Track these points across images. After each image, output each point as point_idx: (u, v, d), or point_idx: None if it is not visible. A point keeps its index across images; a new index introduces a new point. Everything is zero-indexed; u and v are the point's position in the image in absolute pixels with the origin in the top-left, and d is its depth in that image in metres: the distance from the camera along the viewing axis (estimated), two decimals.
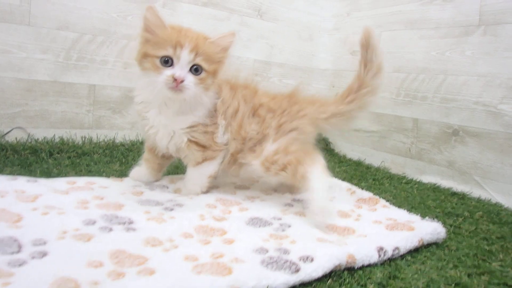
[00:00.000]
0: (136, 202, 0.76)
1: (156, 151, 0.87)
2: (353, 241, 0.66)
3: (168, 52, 0.73)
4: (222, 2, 1.38)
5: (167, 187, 0.89)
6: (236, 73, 0.90)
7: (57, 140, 1.13)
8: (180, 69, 0.73)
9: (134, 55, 0.78)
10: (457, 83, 1.18)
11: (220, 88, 0.84)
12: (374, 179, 1.18)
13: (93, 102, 1.21)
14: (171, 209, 0.74)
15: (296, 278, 0.53)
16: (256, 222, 0.71)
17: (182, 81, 0.72)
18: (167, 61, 0.73)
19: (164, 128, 0.80)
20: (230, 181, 0.97)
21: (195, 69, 0.75)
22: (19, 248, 0.53)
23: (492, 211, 0.96)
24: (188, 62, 0.73)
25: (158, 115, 0.80)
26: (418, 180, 1.21)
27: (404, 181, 1.19)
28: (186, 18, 1.32)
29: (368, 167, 1.34)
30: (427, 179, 1.22)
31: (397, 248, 0.66)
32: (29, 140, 1.09)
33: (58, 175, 0.90)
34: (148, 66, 0.75)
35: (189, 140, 0.80)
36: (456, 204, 1.01)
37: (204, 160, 0.82)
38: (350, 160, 1.46)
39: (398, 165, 1.34)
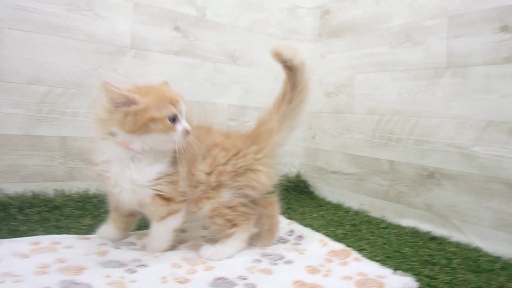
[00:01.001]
0: (99, 264, 0.76)
1: (121, 210, 0.87)
2: None
3: (172, 110, 0.79)
4: (194, 50, 1.43)
5: (135, 244, 0.89)
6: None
7: (28, 194, 1.13)
8: (185, 122, 0.81)
9: (121, 125, 0.78)
10: (430, 125, 1.22)
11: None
12: (352, 225, 1.19)
13: (64, 154, 1.22)
14: (134, 271, 0.74)
15: None
16: (220, 283, 0.72)
17: (190, 131, 0.80)
18: (174, 118, 0.79)
19: (128, 185, 0.80)
20: (200, 235, 0.97)
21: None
22: None
23: (471, 257, 0.98)
24: (185, 113, 0.82)
25: (121, 172, 0.80)
26: (397, 224, 1.23)
27: (382, 225, 1.21)
28: (159, 68, 1.37)
29: (347, 211, 1.36)
30: (406, 222, 1.24)
31: None
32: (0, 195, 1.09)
33: (25, 233, 0.91)
34: (159, 127, 0.78)
35: (154, 195, 0.80)
36: (433, 250, 1.02)
37: (169, 214, 0.82)
38: (329, 203, 1.48)
39: (377, 208, 1.36)
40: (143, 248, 0.85)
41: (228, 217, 0.85)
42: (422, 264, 0.92)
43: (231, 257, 0.84)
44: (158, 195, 0.80)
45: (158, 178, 0.80)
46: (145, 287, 0.67)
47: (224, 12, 1.49)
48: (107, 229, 0.91)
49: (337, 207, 1.41)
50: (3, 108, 1.13)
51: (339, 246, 0.92)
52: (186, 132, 0.79)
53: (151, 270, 0.75)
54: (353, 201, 1.44)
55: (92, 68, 1.25)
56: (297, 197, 1.53)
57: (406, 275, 0.79)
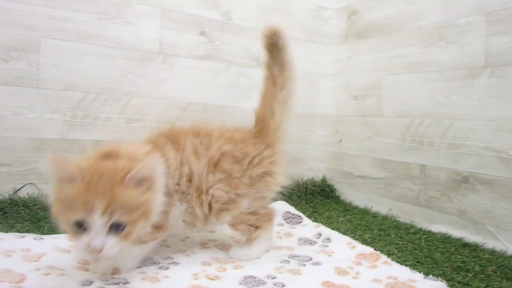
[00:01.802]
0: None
1: None
2: None
3: (78, 216, 0.64)
4: (219, 55, 1.50)
5: (166, 243, 0.95)
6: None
7: None
8: (95, 236, 0.64)
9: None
10: (464, 127, 1.22)
11: (164, 153, 0.81)
12: (380, 229, 1.21)
13: None
14: (166, 268, 0.80)
15: None
16: (250, 281, 0.76)
17: (100, 251, 0.64)
18: (81, 225, 0.64)
19: None
20: (228, 235, 1.02)
21: (116, 227, 0.65)
22: None
23: (507, 265, 0.96)
24: (103, 225, 0.64)
25: None
26: (427, 230, 1.23)
27: (412, 231, 1.22)
28: (185, 73, 1.44)
29: (375, 216, 1.38)
30: (436, 228, 1.24)
31: None
32: (40, 196, 1.20)
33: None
34: (64, 229, 0.67)
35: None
36: (467, 257, 1.01)
37: (152, 240, 0.79)
38: (356, 208, 1.50)
39: (406, 214, 1.37)
40: (114, 273, 0.76)
41: (250, 222, 0.89)
42: (455, 270, 0.92)
43: (259, 258, 0.89)
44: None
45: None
46: (178, 282, 0.73)
47: (249, 16, 1.55)
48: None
49: (364, 212, 1.43)
50: (43, 114, 1.24)
51: (368, 249, 0.94)
52: (91, 250, 0.64)
53: (183, 268, 0.80)
54: (380, 206, 1.46)
55: (122, 74, 1.34)
56: (323, 201, 1.56)
57: (438, 280, 0.80)
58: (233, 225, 0.88)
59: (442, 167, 1.28)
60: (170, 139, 0.85)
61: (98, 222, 0.63)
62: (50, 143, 1.24)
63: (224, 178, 0.84)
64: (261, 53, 1.57)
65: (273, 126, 0.92)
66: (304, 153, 1.73)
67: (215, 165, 0.84)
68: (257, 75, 1.59)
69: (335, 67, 1.73)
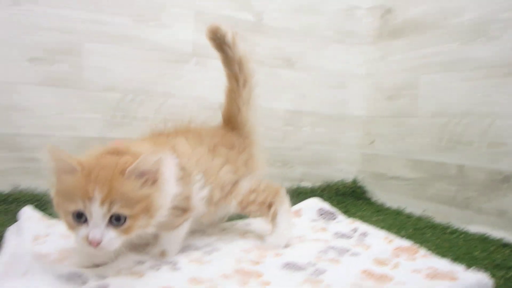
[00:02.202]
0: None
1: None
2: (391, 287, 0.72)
3: (78, 206, 0.64)
4: (251, 55, 1.55)
5: (206, 233, 1.00)
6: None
7: None
8: (94, 227, 0.64)
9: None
10: (506, 126, 1.21)
11: (173, 148, 0.83)
12: (415, 229, 1.22)
13: None
14: (209, 253, 0.85)
15: None
16: (291, 266, 0.80)
17: (99, 243, 0.64)
18: (81, 216, 0.65)
19: None
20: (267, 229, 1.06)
21: (116, 219, 0.66)
22: (84, 282, 0.67)
23: None
24: (103, 216, 0.64)
25: None
26: (464, 230, 1.23)
27: (448, 231, 1.22)
28: (218, 74, 1.48)
29: (409, 216, 1.38)
30: (475, 229, 1.24)
31: None
32: None
33: None
34: (64, 221, 0.68)
35: (172, 208, 0.77)
36: (508, 256, 1.01)
37: (184, 221, 0.83)
38: (388, 209, 1.51)
39: (441, 214, 1.37)
40: (160, 256, 0.81)
41: (259, 200, 0.94)
42: (496, 267, 0.92)
43: (297, 246, 0.92)
44: (175, 209, 0.78)
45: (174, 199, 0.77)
46: (222, 266, 0.77)
47: (280, 16, 1.61)
48: None
49: (398, 213, 1.43)
50: (85, 114, 1.33)
51: (406, 243, 0.96)
52: (89, 243, 0.64)
53: (225, 253, 0.85)
54: (414, 207, 1.46)
55: (158, 76, 1.41)
56: (354, 202, 1.58)
57: (480, 272, 0.81)
58: (243, 208, 0.94)
59: (481, 167, 1.27)
60: (177, 133, 0.91)
61: (97, 212, 0.64)
62: (91, 142, 1.31)
63: (226, 162, 0.92)
64: (293, 54, 1.65)
65: (242, 122, 1.01)
66: (335, 155, 1.75)
67: (213, 152, 0.92)
68: (288, 76, 1.66)
69: (367, 68, 1.75)
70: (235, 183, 0.93)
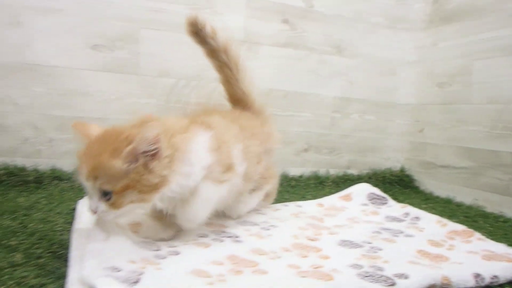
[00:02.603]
0: (236, 222, 0.95)
1: None
2: (447, 266, 0.75)
3: (79, 177, 0.71)
4: (301, 42, 1.60)
5: (260, 211, 1.07)
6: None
7: None
8: (90, 199, 0.70)
9: None
10: None
11: (202, 122, 0.84)
12: (466, 217, 1.23)
13: None
14: (268, 229, 0.91)
15: None
16: (347, 244, 0.85)
17: (95, 213, 0.70)
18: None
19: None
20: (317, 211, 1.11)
21: (104, 194, 0.69)
22: (157, 248, 0.75)
23: None
24: (92, 190, 0.69)
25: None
26: None
27: (501, 219, 1.22)
28: (268, 60, 1.56)
29: (459, 205, 1.39)
30: None
31: (495, 276, 0.72)
32: None
33: None
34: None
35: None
36: None
37: (225, 181, 0.83)
38: (437, 197, 1.52)
39: (493, 204, 1.37)
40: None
41: (267, 176, 1.03)
42: None
43: (353, 228, 0.97)
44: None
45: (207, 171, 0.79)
46: (281, 240, 0.83)
47: (331, 2, 1.63)
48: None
49: (447, 202, 1.44)
50: (141, 99, 1.42)
51: (460, 227, 0.98)
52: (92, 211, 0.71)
53: (282, 230, 0.91)
54: (465, 196, 1.46)
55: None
56: (402, 190, 1.60)
57: None
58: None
59: None
60: (210, 112, 0.95)
61: (87, 186, 0.69)
62: None
63: (253, 138, 0.95)
64: (342, 41, 1.67)
65: (250, 101, 1.07)
66: (382, 143, 1.77)
67: (243, 131, 0.94)
68: (337, 63, 1.69)
69: (417, 54, 1.74)
70: (259, 159, 0.98)
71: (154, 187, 0.70)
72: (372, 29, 1.71)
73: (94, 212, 0.70)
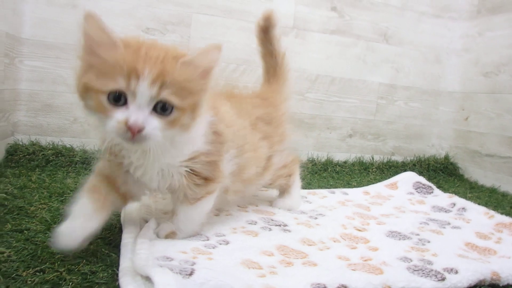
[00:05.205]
0: (283, 209, 0.94)
1: (130, 194, 0.71)
2: (496, 260, 0.72)
3: (119, 84, 0.54)
4: (348, 29, 1.54)
5: (306, 198, 1.06)
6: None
7: None
8: (137, 111, 0.54)
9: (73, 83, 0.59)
10: None
11: (214, 106, 0.73)
12: None
13: None
14: (316, 218, 0.90)
15: (443, 286, 0.62)
16: (395, 235, 0.82)
17: (140, 130, 0.54)
18: (119, 98, 0.54)
19: (152, 166, 0.64)
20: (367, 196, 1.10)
21: (162, 108, 0.56)
22: (207, 238, 0.72)
23: None
24: (149, 99, 0.55)
25: (143, 153, 0.62)
26: None
27: None
28: (316, 47, 1.51)
29: (504, 195, 1.33)
30: None
31: None
32: None
33: None
34: (92, 104, 0.56)
35: (189, 174, 0.67)
36: None
37: (207, 194, 0.70)
38: (482, 186, 1.45)
39: None
40: (169, 236, 0.71)
41: (287, 173, 0.96)
42: None
43: (400, 218, 0.94)
44: (194, 174, 0.68)
45: (192, 158, 0.67)
46: (329, 229, 0.82)
47: None
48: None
49: (492, 191, 1.38)
50: None
51: (507, 219, 0.93)
52: (127, 129, 0.54)
53: (330, 218, 0.89)
54: (510, 185, 1.40)
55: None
56: (446, 178, 1.54)
57: None
58: (274, 181, 0.94)
59: None
60: (219, 95, 0.82)
61: (144, 93, 0.54)
62: None
63: (264, 138, 0.87)
64: (389, 28, 1.59)
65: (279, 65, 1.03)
66: (427, 130, 1.70)
67: (254, 127, 0.86)
68: (384, 50, 1.62)
69: (463, 43, 1.66)
70: (269, 158, 0.89)
71: (200, 114, 0.61)
72: (419, 17, 1.62)
73: (140, 129, 0.54)
